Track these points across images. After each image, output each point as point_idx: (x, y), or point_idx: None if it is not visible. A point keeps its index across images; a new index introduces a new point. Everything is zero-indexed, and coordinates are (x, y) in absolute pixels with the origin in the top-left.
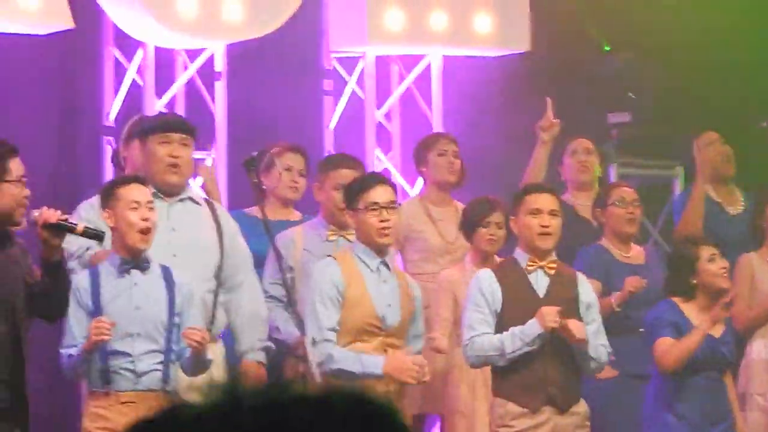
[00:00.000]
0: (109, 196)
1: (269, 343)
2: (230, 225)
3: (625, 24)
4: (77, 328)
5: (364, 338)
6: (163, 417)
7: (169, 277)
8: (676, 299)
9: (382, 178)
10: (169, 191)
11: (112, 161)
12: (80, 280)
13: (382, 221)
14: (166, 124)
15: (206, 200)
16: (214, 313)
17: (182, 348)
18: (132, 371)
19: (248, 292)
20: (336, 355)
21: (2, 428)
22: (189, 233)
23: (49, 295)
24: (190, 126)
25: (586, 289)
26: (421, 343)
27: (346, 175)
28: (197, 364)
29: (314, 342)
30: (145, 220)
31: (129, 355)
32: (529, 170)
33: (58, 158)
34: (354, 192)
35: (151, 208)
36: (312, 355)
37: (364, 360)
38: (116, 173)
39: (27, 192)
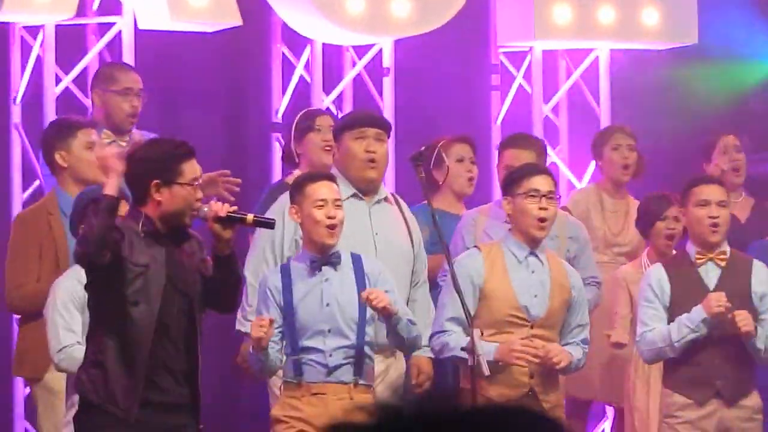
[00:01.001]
0: (297, 192)
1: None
2: (415, 223)
3: None
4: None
5: (508, 330)
6: None
7: (360, 268)
8: None
9: (545, 168)
10: (366, 188)
11: (283, 158)
12: (272, 279)
13: (540, 209)
14: (361, 119)
15: (392, 195)
16: None
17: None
18: (324, 365)
19: (423, 287)
20: (451, 342)
21: (182, 422)
22: (390, 238)
23: (222, 287)
24: (384, 121)
25: (761, 279)
26: (585, 333)
27: (520, 155)
28: (393, 330)
29: (436, 333)
30: (331, 218)
31: (321, 351)
32: None
33: (226, 155)
34: (515, 178)
35: (339, 206)
36: (478, 347)
37: (482, 347)
38: (286, 170)
39: (200, 195)
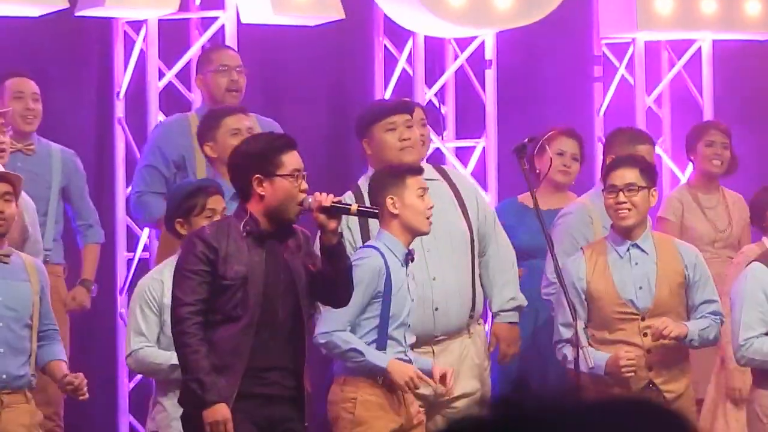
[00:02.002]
0: (396, 182)
1: (521, 302)
2: (468, 189)
3: None
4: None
5: (620, 326)
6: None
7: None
8: None
9: (628, 161)
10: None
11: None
12: (376, 262)
13: (618, 203)
14: (386, 109)
15: (435, 168)
16: (474, 299)
17: None
18: (407, 361)
19: (495, 248)
20: (568, 355)
21: (286, 414)
22: (441, 217)
23: (333, 279)
24: (409, 104)
25: None
26: (714, 307)
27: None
28: None
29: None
30: (430, 207)
31: (401, 344)
32: None
33: (329, 149)
34: (602, 176)
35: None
36: (584, 339)
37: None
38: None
39: (304, 186)
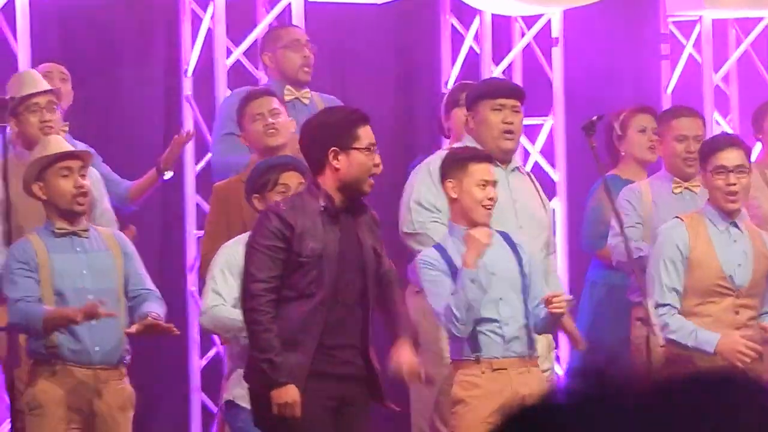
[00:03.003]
0: (458, 167)
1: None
2: (541, 189)
3: None
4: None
5: (713, 299)
6: (537, 407)
7: (510, 240)
8: None
9: (732, 141)
10: (501, 159)
11: (438, 131)
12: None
13: (728, 185)
14: (501, 90)
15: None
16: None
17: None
18: (501, 336)
19: (554, 257)
20: (672, 324)
21: (355, 391)
22: (527, 206)
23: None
24: (522, 92)
25: None
26: None
27: (687, 125)
28: (550, 327)
29: (656, 305)
30: (491, 199)
31: (496, 320)
32: None
33: (396, 126)
34: (703, 153)
35: (495, 186)
36: (654, 317)
37: (699, 335)
38: (438, 141)
39: (377, 160)
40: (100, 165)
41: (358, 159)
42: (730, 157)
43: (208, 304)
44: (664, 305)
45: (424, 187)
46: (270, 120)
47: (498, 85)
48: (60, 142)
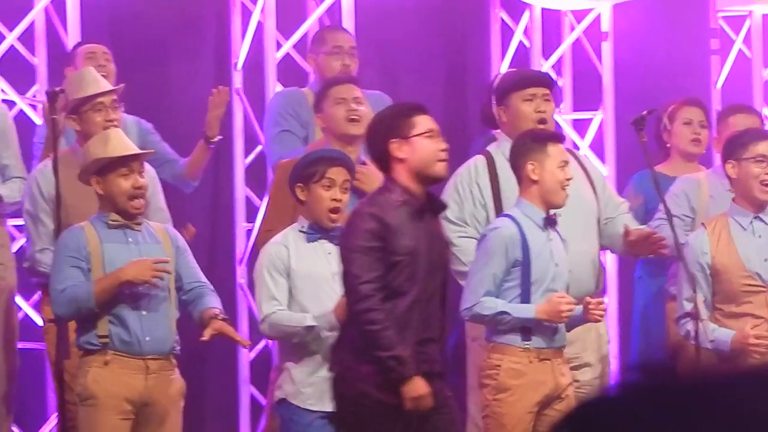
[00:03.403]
0: (539, 149)
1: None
2: (595, 171)
3: None
4: (500, 278)
5: (747, 299)
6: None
7: (560, 235)
8: None
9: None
10: None
11: (482, 121)
12: (509, 227)
13: (767, 174)
14: (531, 80)
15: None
16: (599, 271)
17: None
18: (550, 327)
19: (623, 217)
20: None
21: (440, 387)
22: (574, 190)
23: None
24: (551, 80)
25: None
26: None
27: (743, 122)
28: (577, 325)
29: (682, 315)
30: (568, 180)
31: None
32: None
33: (445, 120)
34: (742, 143)
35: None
36: (703, 311)
37: (716, 334)
38: (483, 130)
39: (442, 146)
40: (159, 143)
41: (421, 144)
42: None
43: (265, 312)
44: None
45: (451, 201)
46: (353, 106)
47: (527, 75)
48: (121, 140)
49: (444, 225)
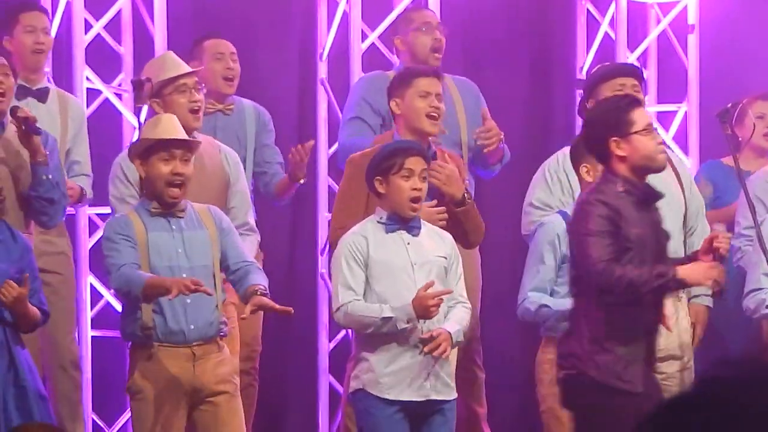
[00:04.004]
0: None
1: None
2: (684, 171)
3: None
4: (550, 274)
5: None
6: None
7: None
8: None
9: None
10: None
11: (579, 113)
12: (558, 223)
13: None
14: (619, 71)
15: None
16: None
17: None
18: None
19: (700, 235)
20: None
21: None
22: (664, 186)
23: None
24: (639, 71)
25: None
26: None
27: None
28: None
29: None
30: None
31: None
32: None
33: (530, 112)
34: None
35: None
36: None
37: None
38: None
39: (659, 138)
40: (272, 147)
41: (640, 142)
42: None
43: (341, 301)
44: (759, 289)
45: (538, 188)
46: (435, 103)
47: (615, 66)
48: (172, 125)
49: (528, 212)
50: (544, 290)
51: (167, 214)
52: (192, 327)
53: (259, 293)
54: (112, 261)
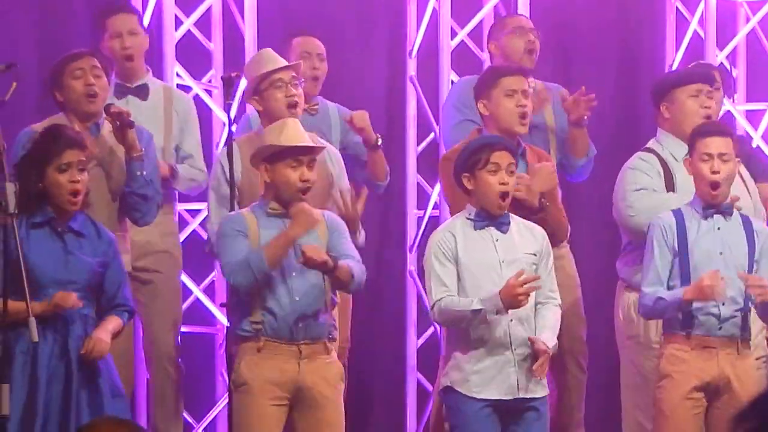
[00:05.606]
0: (696, 140)
1: None
2: (751, 180)
3: None
4: (663, 268)
5: None
6: None
7: (749, 226)
8: None
9: None
10: None
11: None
12: (666, 218)
13: None
14: (698, 75)
15: None
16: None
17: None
18: (716, 316)
19: None
20: None
21: None
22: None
23: None
24: (715, 74)
25: None
26: None
27: None
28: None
29: None
30: (716, 173)
31: (713, 299)
32: None
33: (619, 110)
34: None
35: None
36: None
37: None
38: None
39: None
40: (359, 145)
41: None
42: None
43: (435, 297)
44: None
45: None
46: (523, 101)
47: (692, 71)
48: (297, 130)
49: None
50: (660, 284)
51: (282, 215)
52: (300, 325)
53: (331, 260)
54: (225, 259)
